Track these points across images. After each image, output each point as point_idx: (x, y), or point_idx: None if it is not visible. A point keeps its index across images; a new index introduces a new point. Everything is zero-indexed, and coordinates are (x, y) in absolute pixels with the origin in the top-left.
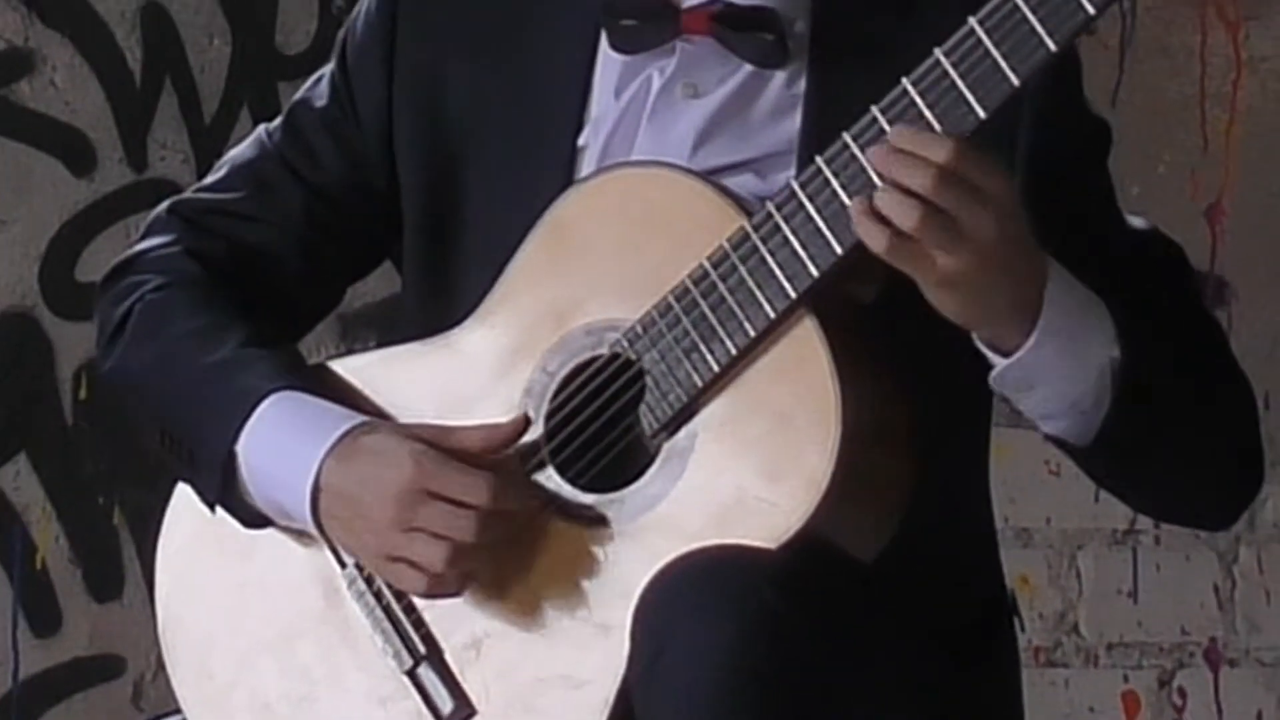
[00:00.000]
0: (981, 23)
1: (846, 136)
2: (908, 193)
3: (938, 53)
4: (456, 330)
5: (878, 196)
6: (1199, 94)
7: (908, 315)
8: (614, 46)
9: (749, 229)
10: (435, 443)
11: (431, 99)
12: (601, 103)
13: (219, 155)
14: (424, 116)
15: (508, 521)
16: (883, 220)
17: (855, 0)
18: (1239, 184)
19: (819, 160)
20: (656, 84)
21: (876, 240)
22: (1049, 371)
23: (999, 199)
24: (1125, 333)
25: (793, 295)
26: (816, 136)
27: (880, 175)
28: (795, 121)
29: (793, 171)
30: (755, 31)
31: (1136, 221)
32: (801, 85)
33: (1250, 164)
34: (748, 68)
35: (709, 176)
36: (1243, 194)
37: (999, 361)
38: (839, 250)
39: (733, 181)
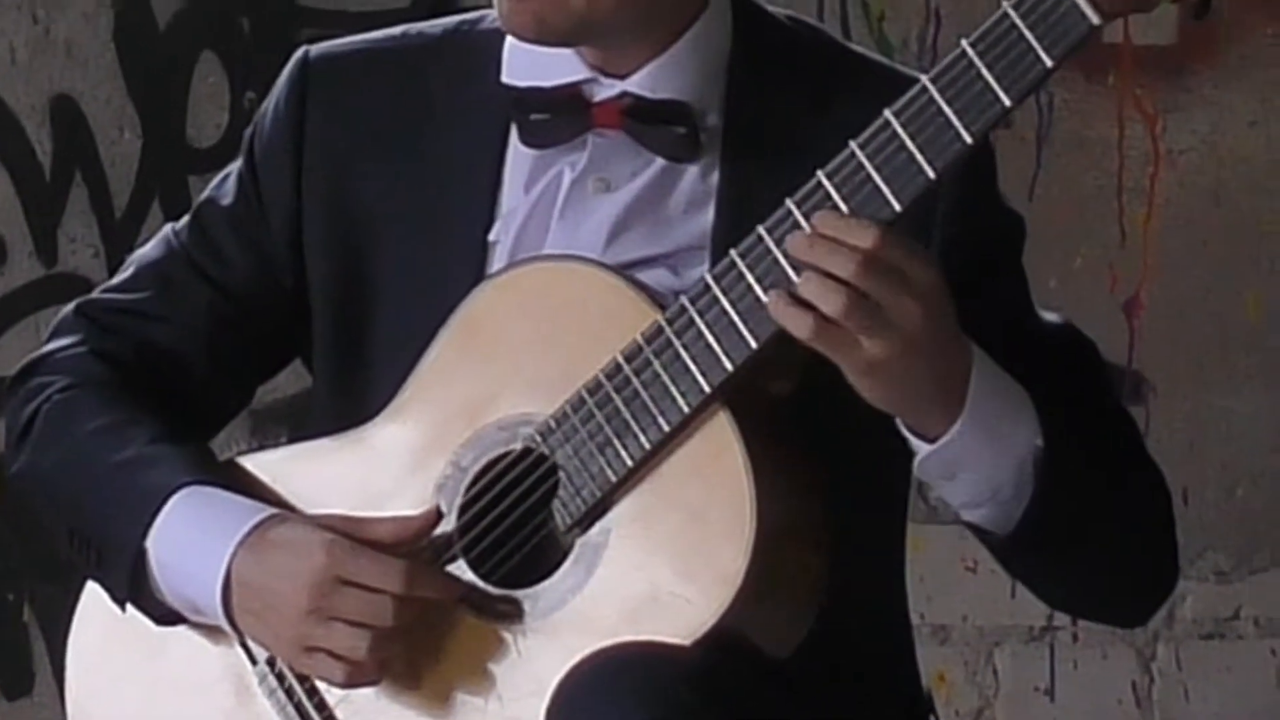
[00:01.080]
0: (897, 115)
1: (761, 230)
2: (833, 278)
3: (853, 145)
4: (368, 426)
5: (802, 282)
6: (1117, 186)
7: (823, 411)
8: (525, 141)
9: (663, 323)
10: (346, 533)
11: (340, 196)
12: (512, 197)
13: (130, 249)
14: (333, 213)
15: (423, 608)
16: (807, 306)
17: (769, 94)
18: (1157, 277)
19: (733, 254)
20: (568, 178)
21: (801, 327)
22: (972, 458)
23: (925, 285)
24: (1047, 423)
25: (707, 390)
26: (731, 230)
27: (804, 262)
28: (709, 215)
29: (707, 265)
30: (666, 125)
31: (1049, 316)
32: (715, 179)
33: (1169, 257)
34: (660, 161)
35: (623, 271)
36: (1161, 287)
37: (923, 448)
38: (753, 344)
39: (647, 276)
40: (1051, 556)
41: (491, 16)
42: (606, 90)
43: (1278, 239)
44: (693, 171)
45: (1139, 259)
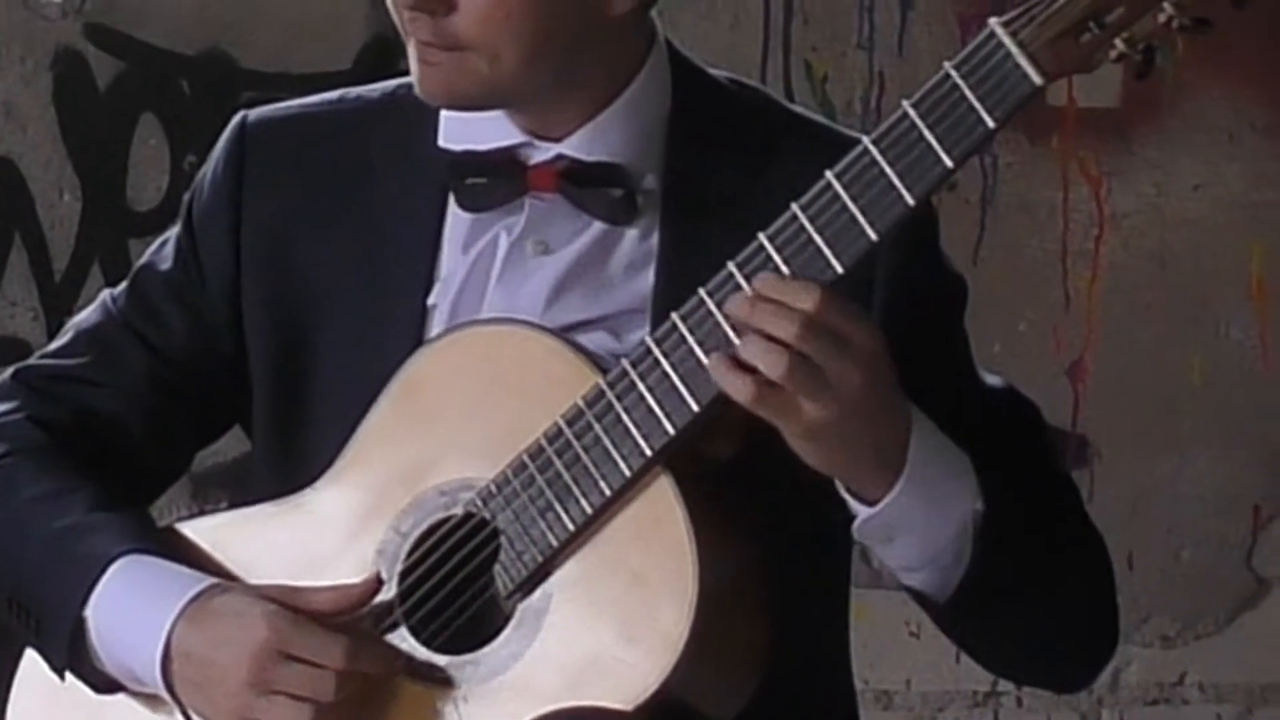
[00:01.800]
0: (839, 177)
1: (703, 293)
2: (774, 341)
3: (795, 207)
4: (308, 491)
5: (743, 345)
6: (1061, 250)
7: (765, 474)
8: (461, 205)
9: (604, 386)
10: (287, 603)
11: (279, 260)
12: (451, 261)
13: (69, 312)
14: (272, 278)
15: (363, 681)
16: (748, 369)
17: (707, 155)
18: (1101, 341)
19: (675, 317)
20: (505, 242)
21: (742, 390)
22: (910, 522)
23: (866, 348)
24: (987, 488)
25: (649, 453)
26: (671, 292)
27: (744, 324)
28: (649, 277)
29: (648, 328)
30: (602, 187)
31: (992, 379)
32: (655, 241)
33: (1113, 321)
34: (600, 224)
35: (563, 334)
36: (1105, 352)
37: (862, 510)
38: (696, 407)
39: (586, 339)
40: (992, 621)
41: None
42: (541, 153)
43: (1222, 303)
44: (632, 234)
45: (1083, 322)
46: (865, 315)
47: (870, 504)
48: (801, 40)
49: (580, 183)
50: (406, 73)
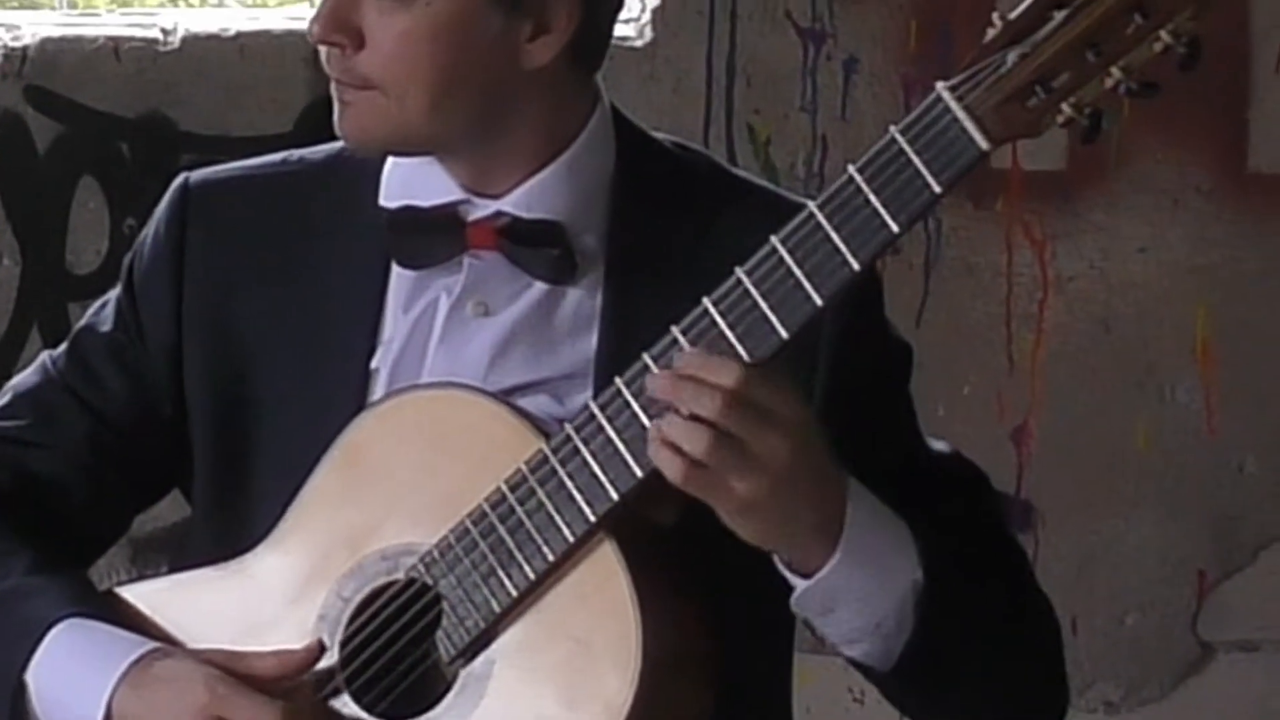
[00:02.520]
0: (784, 242)
1: (647, 357)
2: (697, 419)
3: (739, 272)
4: (250, 555)
5: (666, 424)
6: (1005, 314)
7: (709, 539)
8: (401, 263)
9: (547, 451)
10: (228, 668)
11: (221, 323)
12: (393, 323)
13: (9, 375)
14: (213, 341)
15: None
16: (675, 448)
17: (651, 218)
18: (1046, 405)
19: (618, 382)
20: (445, 303)
21: (671, 468)
22: (850, 593)
23: (790, 421)
24: (928, 555)
25: (592, 519)
26: (614, 354)
27: (666, 403)
28: (592, 340)
29: (590, 390)
30: (542, 246)
31: (937, 445)
32: (598, 302)
33: (1057, 385)
34: (542, 284)
35: (505, 398)
36: (1050, 415)
37: (800, 583)
38: (639, 473)
39: (529, 401)
40: (937, 689)
41: None
42: (480, 210)
43: (1167, 366)
44: (575, 295)
45: (1027, 386)
46: (788, 388)
47: (808, 576)
48: (744, 103)
49: (520, 241)
50: None
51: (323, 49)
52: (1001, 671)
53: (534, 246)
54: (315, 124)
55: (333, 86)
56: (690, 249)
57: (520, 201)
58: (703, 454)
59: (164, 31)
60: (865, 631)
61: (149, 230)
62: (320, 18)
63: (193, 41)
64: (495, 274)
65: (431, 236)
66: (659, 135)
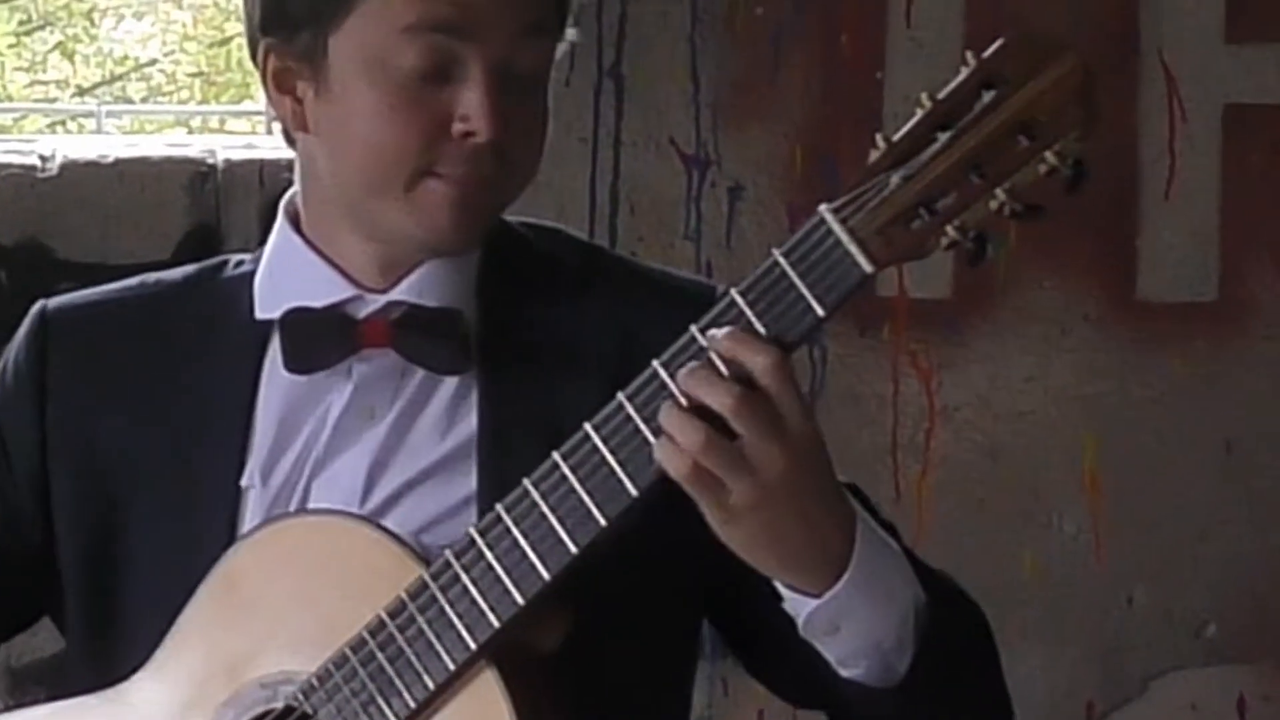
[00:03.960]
0: (665, 365)
1: (528, 483)
2: (700, 413)
3: (621, 396)
4: (127, 684)
5: (664, 412)
6: (891, 443)
7: (592, 665)
8: (292, 368)
9: (427, 578)
10: None
11: (86, 448)
12: (265, 439)
13: None
14: (79, 466)
15: None
16: (679, 446)
17: (516, 299)
18: (932, 535)
19: (499, 508)
20: (333, 413)
21: (667, 455)
22: (856, 613)
23: (794, 435)
24: (922, 577)
25: (472, 647)
26: (494, 436)
27: (684, 391)
28: (471, 423)
29: (473, 479)
30: (437, 336)
31: None
32: (474, 389)
33: (944, 515)
34: (419, 377)
35: (384, 525)
36: (936, 545)
37: (806, 604)
38: (521, 600)
39: (413, 499)
40: (941, 704)
41: (236, 260)
42: (372, 305)
43: (1055, 496)
44: (450, 382)
45: (913, 516)
46: (803, 401)
47: (814, 596)
48: (628, 230)
49: (416, 331)
50: (225, 263)
51: (477, 142)
52: (989, 686)
53: (432, 337)
54: (194, 251)
55: (453, 189)
56: (556, 324)
57: (413, 290)
58: (698, 447)
59: (42, 158)
60: (867, 650)
61: (9, 357)
62: (494, 114)
63: (71, 168)
64: (382, 375)
65: (324, 337)
66: (511, 219)
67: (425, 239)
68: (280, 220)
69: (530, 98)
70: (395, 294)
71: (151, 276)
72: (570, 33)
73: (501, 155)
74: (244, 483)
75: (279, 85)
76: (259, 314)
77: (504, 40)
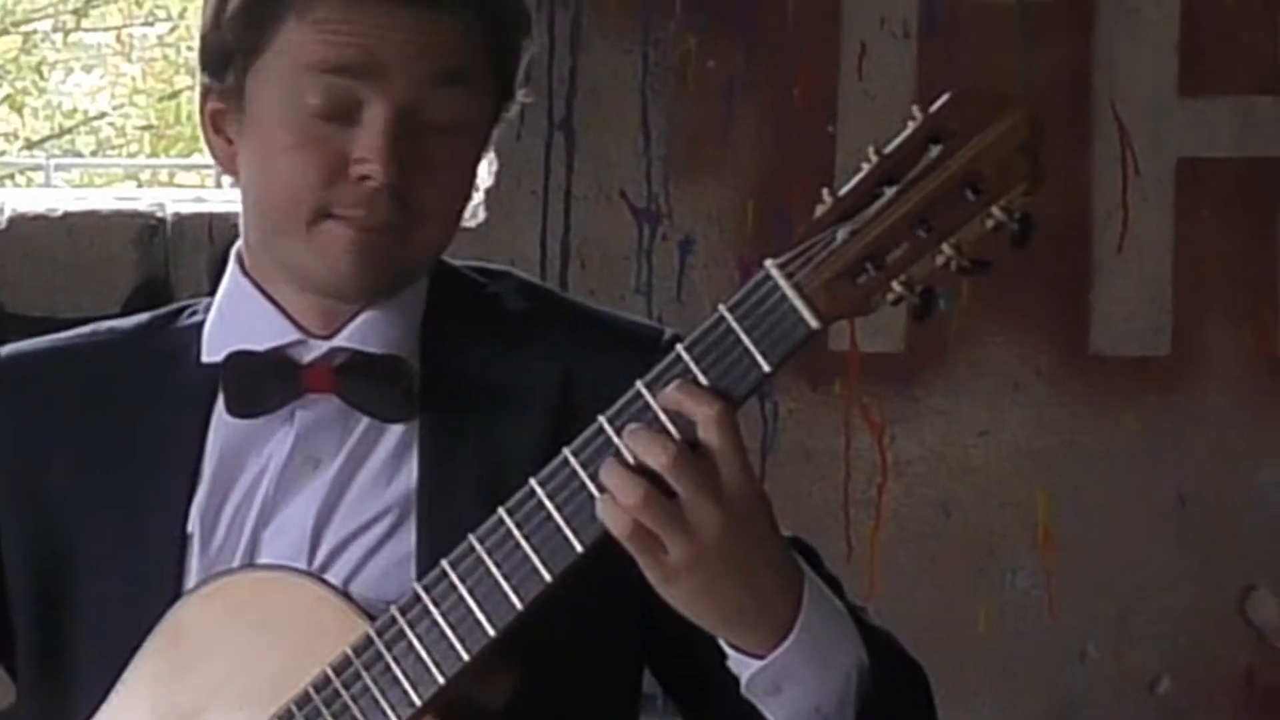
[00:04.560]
0: (611, 421)
1: (473, 539)
2: (642, 470)
3: (566, 452)
4: None
5: (604, 469)
6: (843, 498)
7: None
8: (234, 412)
9: (372, 634)
10: None
11: (35, 497)
12: (212, 487)
13: None
14: (27, 515)
15: None
16: (618, 503)
17: (460, 345)
18: (885, 591)
19: (444, 564)
20: (276, 461)
21: (608, 513)
22: (800, 675)
23: (734, 497)
24: (866, 638)
25: (417, 703)
26: (434, 486)
27: (627, 444)
28: (412, 473)
29: (414, 527)
30: (381, 383)
31: None
32: (415, 437)
33: (897, 571)
34: (363, 425)
35: (330, 581)
36: (889, 602)
37: (750, 664)
38: (466, 656)
39: (357, 547)
40: None
41: (189, 309)
42: (315, 350)
43: (1008, 551)
44: (395, 432)
45: (866, 572)
46: (747, 463)
47: (759, 656)
48: (579, 284)
49: (360, 378)
50: (180, 311)
51: (373, 184)
52: None
53: (375, 384)
54: (143, 305)
55: (358, 232)
56: (500, 368)
57: (355, 336)
58: (637, 504)
59: None
60: (808, 713)
61: None
62: (390, 158)
63: (20, 222)
64: (325, 422)
65: (267, 381)
66: (460, 264)
67: (327, 280)
68: (231, 264)
69: (445, 148)
70: (339, 340)
71: (105, 324)
72: (520, 93)
73: (403, 202)
74: (190, 529)
75: (214, 126)
76: (206, 357)
77: (409, 85)
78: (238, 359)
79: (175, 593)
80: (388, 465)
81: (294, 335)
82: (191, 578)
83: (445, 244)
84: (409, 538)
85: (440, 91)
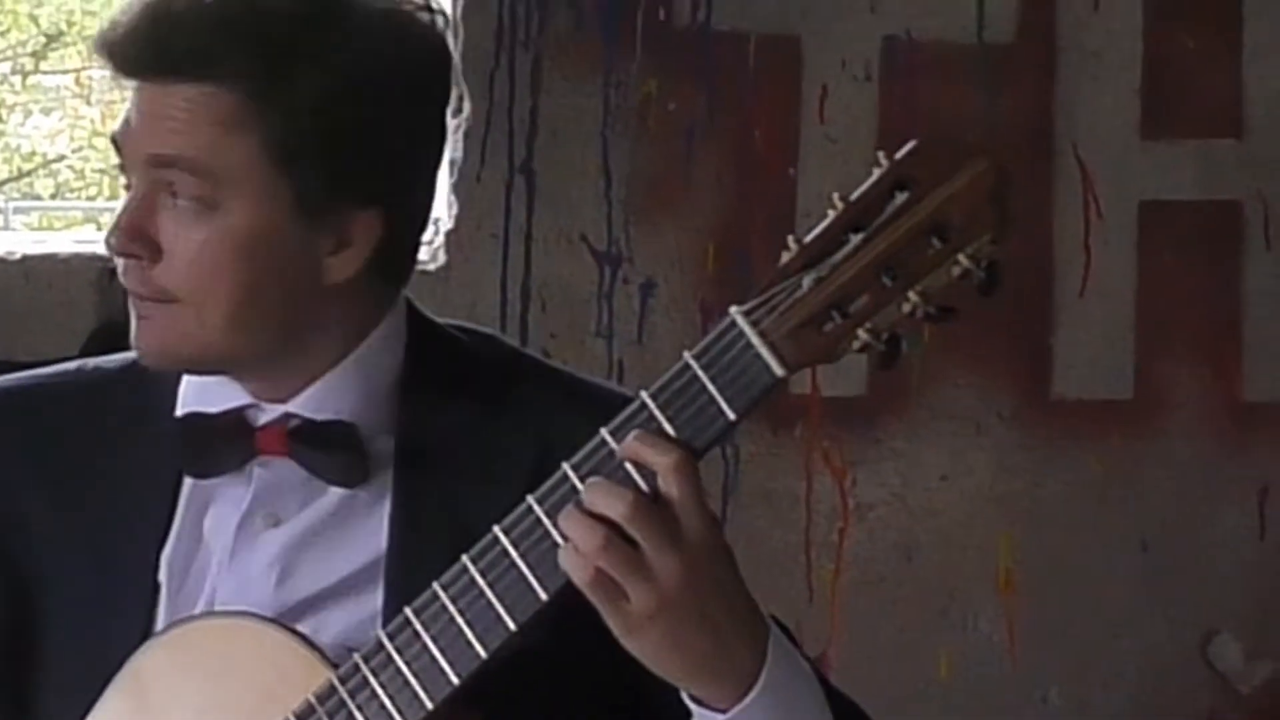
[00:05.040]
0: (576, 469)
1: (437, 586)
2: (602, 520)
3: (531, 499)
4: None
5: (564, 516)
6: (804, 542)
7: None
8: (190, 473)
9: (335, 682)
10: None
11: (9, 536)
12: (180, 537)
13: None
14: (1, 555)
15: None
16: (579, 551)
17: (438, 410)
18: (846, 635)
19: (408, 611)
20: (235, 516)
21: (569, 562)
22: None
23: (695, 546)
24: (829, 696)
25: None
26: (403, 554)
27: (586, 489)
28: (382, 539)
29: (381, 593)
30: (334, 449)
31: None
32: (387, 503)
33: (858, 614)
34: (333, 490)
35: (294, 628)
36: (850, 645)
37: (711, 717)
38: (429, 704)
39: (321, 611)
40: None
41: None
42: (268, 415)
43: (970, 595)
44: (365, 496)
45: (827, 616)
46: (709, 513)
47: (716, 709)
48: (539, 326)
49: (311, 443)
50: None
51: (120, 261)
52: None
53: (326, 449)
54: (102, 349)
55: (130, 301)
56: (479, 436)
57: (308, 404)
58: (597, 551)
59: None
60: None
61: None
62: (119, 229)
63: None
64: (285, 481)
65: (220, 444)
66: (446, 322)
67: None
68: None
69: (194, 226)
70: (291, 405)
71: (91, 362)
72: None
73: (148, 279)
74: (160, 579)
75: None
76: (178, 411)
77: (139, 165)
78: (193, 420)
79: (144, 639)
80: (355, 528)
81: (246, 399)
82: (159, 627)
83: (236, 332)
84: (375, 599)
85: (166, 174)
